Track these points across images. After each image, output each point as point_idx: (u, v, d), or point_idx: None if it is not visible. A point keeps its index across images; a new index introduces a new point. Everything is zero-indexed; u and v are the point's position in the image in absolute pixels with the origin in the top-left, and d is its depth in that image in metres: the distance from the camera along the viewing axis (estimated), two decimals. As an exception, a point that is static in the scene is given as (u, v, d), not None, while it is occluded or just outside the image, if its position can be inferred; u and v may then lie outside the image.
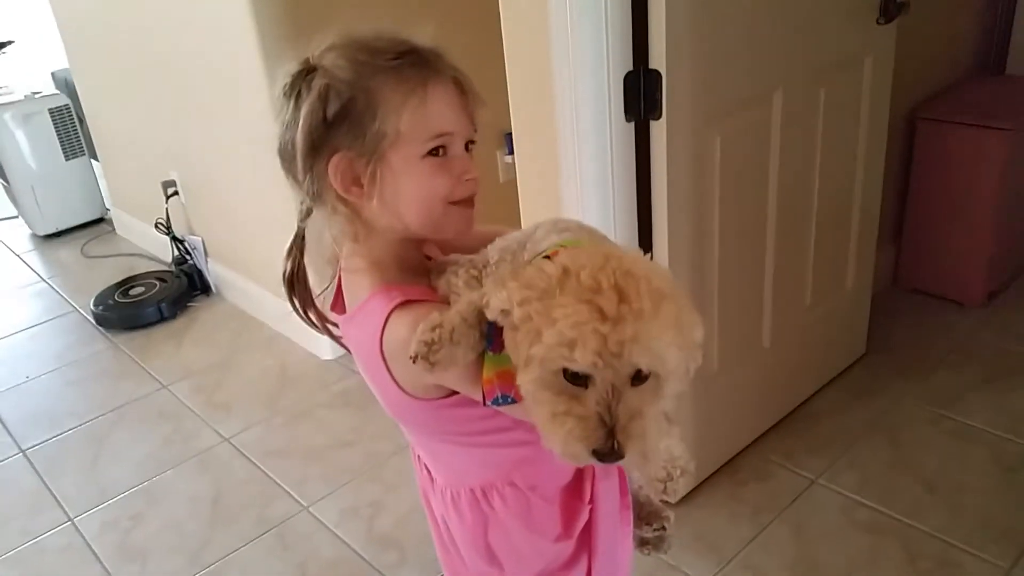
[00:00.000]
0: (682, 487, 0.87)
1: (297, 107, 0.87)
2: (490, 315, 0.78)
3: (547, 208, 1.74)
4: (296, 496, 2.26)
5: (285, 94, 0.88)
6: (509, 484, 0.99)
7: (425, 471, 1.09)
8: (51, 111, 4.04)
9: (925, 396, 2.33)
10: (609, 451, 0.71)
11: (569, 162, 1.64)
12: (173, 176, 3.32)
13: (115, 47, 3.32)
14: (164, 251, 3.55)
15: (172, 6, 2.79)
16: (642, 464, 0.75)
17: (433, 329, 0.79)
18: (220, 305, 3.34)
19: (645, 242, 1.74)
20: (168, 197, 3.33)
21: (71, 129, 4.12)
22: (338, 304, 1.02)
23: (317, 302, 1.06)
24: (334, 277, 1.01)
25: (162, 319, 3.23)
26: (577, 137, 1.61)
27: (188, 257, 3.41)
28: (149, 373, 2.91)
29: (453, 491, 1.04)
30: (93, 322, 3.28)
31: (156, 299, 3.24)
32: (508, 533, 1.01)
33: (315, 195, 0.91)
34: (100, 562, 2.11)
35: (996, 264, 2.67)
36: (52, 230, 4.20)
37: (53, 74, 4.57)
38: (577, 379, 0.72)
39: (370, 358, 0.91)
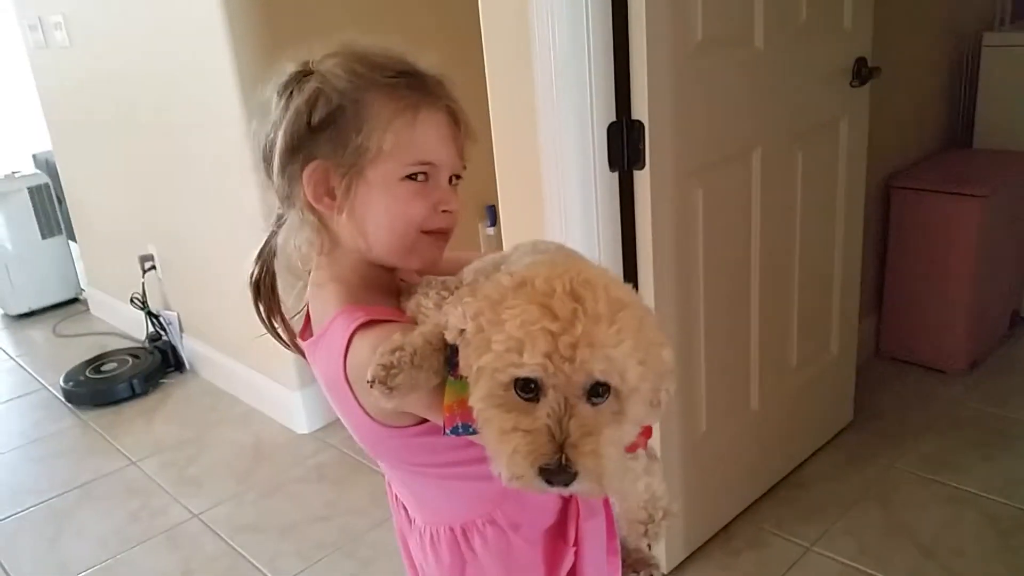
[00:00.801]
0: (664, 530, 0.82)
1: (286, 107, 0.85)
2: (449, 336, 0.73)
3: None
4: (268, 573, 2.14)
5: (278, 92, 0.87)
6: (490, 522, 0.92)
7: (403, 511, 1.03)
8: (30, 190, 4.03)
9: (915, 462, 2.29)
10: (556, 467, 0.64)
11: (554, 212, 1.64)
12: (151, 250, 3.29)
13: (98, 124, 3.34)
14: (138, 330, 3.49)
15: (157, 83, 2.83)
16: (597, 491, 0.67)
17: (393, 351, 0.73)
18: (194, 381, 3.26)
19: (630, 295, 1.73)
20: (145, 271, 3.29)
21: (49, 208, 4.11)
22: (307, 332, 0.97)
23: (288, 320, 1.01)
24: (303, 301, 0.98)
25: (134, 395, 3.13)
26: (562, 187, 1.62)
27: (163, 333, 3.35)
28: (118, 449, 2.81)
29: (432, 530, 0.97)
30: (62, 399, 3.18)
31: (128, 375, 3.16)
32: None
33: (286, 199, 0.89)
34: (55, 644, 1.98)
35: (977, 332, 2.68)
36: (24, 309, 4.13)
37: (34, 156, 4.59)
38: (528, 392, 0.66)
39: (335, 385, 0.86)
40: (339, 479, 2.51)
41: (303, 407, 2.76)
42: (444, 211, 0.88)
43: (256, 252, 0.98)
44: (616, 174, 1.64)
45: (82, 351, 3.51)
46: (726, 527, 2.11)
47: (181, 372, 3.32)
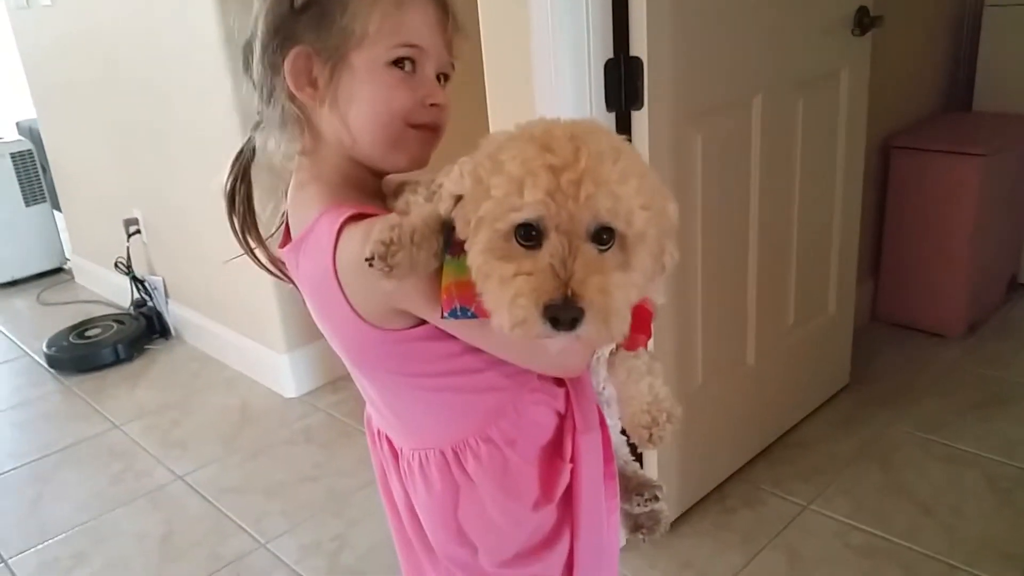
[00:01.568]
0: (669, 434, 0.78)
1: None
2: (444, 208, 0.69)
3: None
4: (253, 533, 2.10)
5: None
6: (484, 440, 0.87)
7: (385, 445, 0.97)
8: (13, 156, 3.95)
9: (913, 423, 2.26)
10: (562, 302, 0.61)
11: (548, 154, 1.59)
12: (136, 214, 3.22)
13: (81, 86, 3.26)
14: (124, 298, 3.42)
15: (142, 42, 2.77)
16: (604, 333, 0.64)
17: (392, 228, 0.69)
18: (179, 347, 3.20)
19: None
20: (130, 236, 3.23)
21: (32, 175, 4.03)
22: (286, 241, 0.91)
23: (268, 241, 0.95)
24: (282, 213, 0.92)
25: (118, 361, 3.07)
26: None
27: (148, 299, 3.29)
28: (101, 414, 2.75)
29: (422, 456, 0.91)
30: (45, 365, 3.12)
31: (112, 340, 3.10)
32: (482, 503, 0.89)
33: (267, 93, 0.84)
34: (34, 603, 1.93)
35: (975, 295, 2.64)
36: (7, 279, 4.05)
37: (17, 123, 4.50)
38: (530, 240, 0.63)
39: (322, 284, 0.81)
40: (327, 441, 2.47)
41: (291, 371, 2.71)
42: (432, 105, 0.84)
43: (230, 160, 0.92)
44: (613, 115, 1.58)
45: (66, 318, 3.44)
46: (720, 486, 2.07)
47: (167, 338, 3.26)
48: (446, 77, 0.87)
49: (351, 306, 0.80)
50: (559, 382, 0.90)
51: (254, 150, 0.90)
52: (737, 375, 2.02)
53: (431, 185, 0.78)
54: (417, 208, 0.75)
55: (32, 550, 2.10)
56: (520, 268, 0.63)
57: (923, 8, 2.70)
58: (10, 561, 2.07)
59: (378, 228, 0.69)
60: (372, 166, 0.86)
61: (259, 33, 0.82)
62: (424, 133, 0.85)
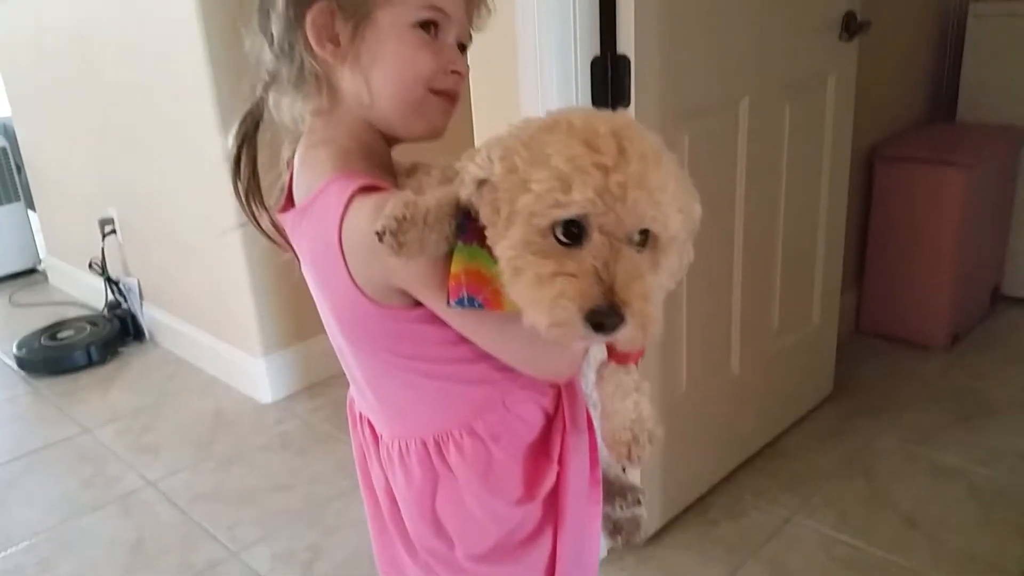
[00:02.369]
0: (647, 454, 0.77)
1: None
2: (465, 192, 0.67)
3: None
4: (224, 541, 2.04)
5: None
6: (468, 432, 0.85)
7: (368, 429, 0.94)
8: (-14, 154, 3.87)
9: (897, 434, 2.24)
10: (608, 309, 0.60)
11: (532, 154, 1.56)
12: (111, 214, 3.16)
13: (57, 83, 3.20)
14: (98, 300, 3.35)
15: (120, 40, 2.71)
16: (640, 338, 0.63)
17: (406, 205, 0.68)
18: (154, 350, 3.14)
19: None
20: (105, 236, 3.16)
21: (6, 173, 3.94)
22: (288, 206, 0.88)
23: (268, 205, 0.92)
24: (284, 176, 0.89)
25: (90, 364, 3.00)
26: (541, 127, 1.53)
27: (122, 300, 3.22)
28: (71, 417, 2.68)
29: (402, 444, 0.89)
30: (14, 367, 3.04)
31: (85, 343, 3.03)
32: (460, 495, 0.86)
33: (284, 49, 0.81)
34: (-4, 612, 1.87)
35: (959, 306, 2.63)
36: (-22, 279, 3.97)
37: (-8, 121, 4.42)
38: (570, 237, 0.62)
39: (325, 252, 0.79)
40: (303, 448, 2.42)
41: (267, 375, 2.65)
42: (453, 72, 0.83)
43: (236, 123, 0.89)
44: (599, 114, 1.55)
45: (39, 319, 3.36)
46: (703, 496, 2.04)
47: (141, 341, 3.19)
48: (463, 47, 0.86)
49: (351, 278, 0.78)
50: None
51: (262, 111, 0.88)
52: (721, 383, 1.99)
53: (446, 169, 0.78)
54: (431, 190, 0.74)
55: (-5, 557, 2.04)
56: (561, 268, 0.62)
57: (908, 17, 2.70)
58: (-29, 568, 2.01)
59: (392, 203, 0.68)
60: (388, 130, 0.85)
61: None
62: (443, 100, 0.84)
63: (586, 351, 0.84)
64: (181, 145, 2.61)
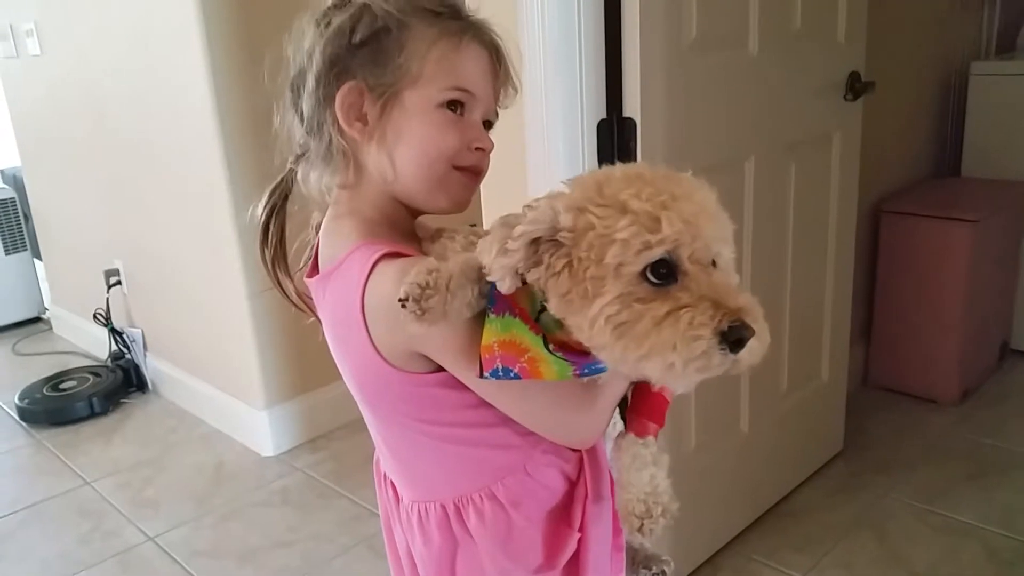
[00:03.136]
0: (660, 528, 0.76)
1: (326, 29, 0.81)
2: (516, 258, 0.65)
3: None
4: (225, 600, 2.01)
5: (316, 21, 0.83)
6: (489, 497, 0.84)
7: (391, 490, 0.94)
8: (-5, 203, 3.90)
9: (909, 492, 2.20)
10: (740, 324, 0.61)
11: (539, 212, 1.56)
12: (117, 265, 3.16)
13: (67, 136, 3.24)
14: (102, 350, 3.35)
15: (130, 96, 2.75)
16: (759, 352, 0.65)
17: (429, 272, 0.68)
18: (156, 401, 3.12)
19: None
20: (110, 287, 3.17)
21: (14, 223, 3.97)
22: (314, 272, 0.90)
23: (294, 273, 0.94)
24: (312, 243, 0.91)
25: (92, 415, 2.98)
26: (549, 186, 1.53)
27: (125, 351, 3.21)
28: (72, 469, 2.66)
29: (421, 508, 0.88)
30: (16, 417, 3.02)
31: (87, 393, 3.01)
32: (479, 561, 0.86)
33: (315, 125, 0.83)
34: (-12, 675, 1.82)
35: (968, 361, 2.61)
36: (-17, 328, 3.97)
37: (2, 171, 4.47)
38: (661, 277, 0.63)
39: (347, 317, 0.79)
40: (304, 504, 2.38)
41: (269, 428, 2.63)
42: (478, 148, 0.85)
43: (266, 193, 0.92)
44: (605, 174, 1.56)
45: (42, 369, 3.36)
46: (712, 557, 2.00)
47: (144, 391, 3.17)
48: (489, 124, 0.88)
49: (373, 343, 0.79)
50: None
51: (291, 182, 0.90)
52: (730, 442, 1.97)
53: (469, 234, 0.81)
54: (454, 255, 0.75)
55: (-11, 616, 2.00)
56: (676, 304, 0.62)
57: (912, 76, 2.72)
58: (-35, 628, 1.97)
59: (415, 270, 0.69)
60: (412, 204, 0.86)
61: (314, 65, 0.82)
62: (467, 176, 0.86)
63: (611, 416, 0.84)
64: (187, 200, 2.63)
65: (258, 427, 2.65)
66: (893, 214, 2.59)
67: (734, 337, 0.61)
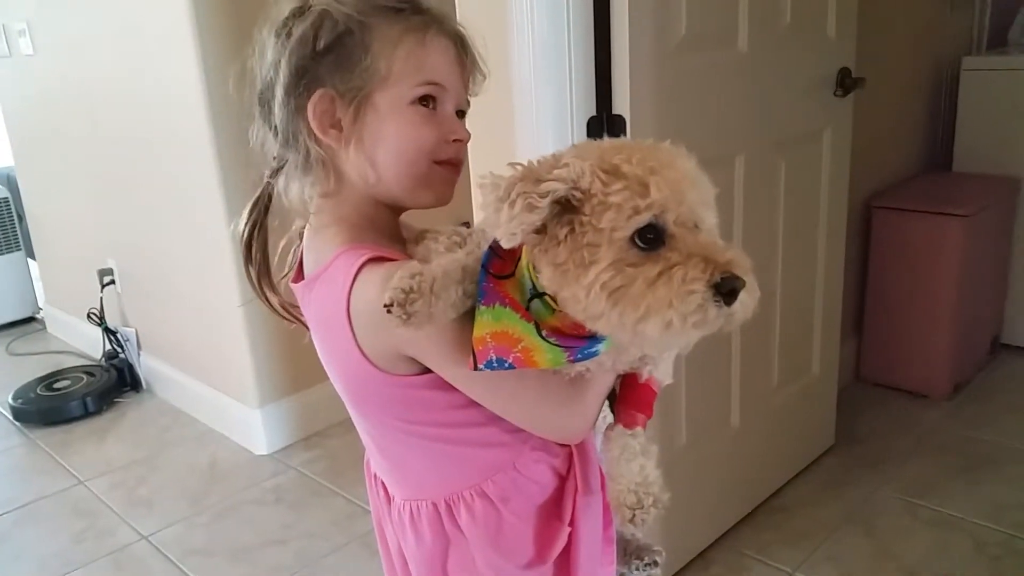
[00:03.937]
0: (652, 518, 0.76)
1: (287, 39, 0.81)
2: (541, 215, 0.65)
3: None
4: (218, 598, 2.01)
5: (276, 33, 0.82)
6: (479, 495, 0.85)
7: (382, 491, 0.95)
8: (-12, 203, 3.90)
9: (900, 486, 2.21)
10: (731, 275, 0.62)
11: (529, 210, 1.56)
12: (111, 264, 3.16)
13: (60, 136, 3.23)
14: (96, 349, 3.35)
15: (123, 95, 2.75)
16: (751, 304, 0.66)
17: (412, 276, 0.69)
18: (150, 401, 3.12)
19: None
20: (104, 286, 3.16)
21: (7, 223, 3.97)
22: (298, 278, 0.90)
23: (278, 281, 0.94)
24: (296, 250, 0.91)
25: (86, 414, 2.98)
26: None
27: (119, 351, 3.21)
28: (66, 469, 2.66)
29: (413, 507, 0.89)
30: (10, 417, 3.02)
31: (81, 393, 3.01)
32: (471, 558, 0.86)
33: (290, 137, 0.83)
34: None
35: (959, 355, 2.62)
36: (-23, 327, 3.96)
37: (-5, 171, 4.45)
38: (647, 243, 0.64)
39: (333, 322, 0.80)
40: (297, 502, 2.39)
41: (263, 427, 2.63)
42: (455, 140, 0.84)
43: (247, 209, 0.91)
44: (595, 171, 1.56)
45: (35, 369, 3.35)
46: (704, 552, 2.01)
47: (137, 391, 3.17)
48: (462, 113, 0.88)
49: (359, 347, 0.79)
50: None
51: (270, 196, 0.90)
52: (721, 437, 1.98)
53: (453, 235, 0.81)
54: (438, 257, 0.76)
55: (-17, 615, 2.00)
56: (667, 264, 0.63)
57: (903, 73, 2.73)
58: (-41, 627, 1.97)
59: (399, 275, 0.69)
60: (395, 203, 0.86)
61: (281, 77, 0.81)
62: (447, 169, 0.85)
63: (599, 411, 0.84)
64: (180, 200, 2.63)
65: (252, 425, 2.65)
66: (885, 209, 2.60)
67: (727, 288, 0.62)
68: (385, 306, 0.68)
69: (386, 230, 0.86)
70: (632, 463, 0.78)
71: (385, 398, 0.83)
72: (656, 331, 0.63)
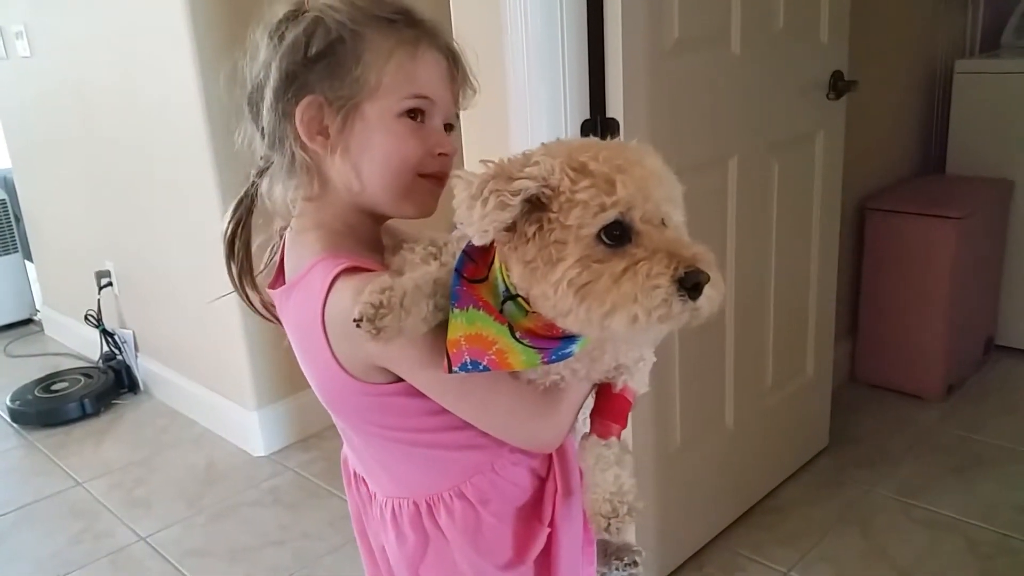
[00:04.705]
0: (626, 527, 0.78)
1: (280, 42, 0.81)
2: (512, 213, 0.66)
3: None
4: (216, 599, 2.02)
5: (269, 34, 0.82)
6: (458, 496, 0.86)
7: (362, 487, 0.95)
8: (-15, 205, 3.90)
9: (893, 487, 2.23)
10: (695, 269, 0.63)
11: (524, 212, 1.58)
12: (108, 266, 3.17)
13: (58, 137, 3.24)
14: (94, 351, 3.35)
15: (119, 96, 2.76)
16: (718, 298, 0.66)
17: (383, 291, 0.69)
18: (148, 402, 3.12)
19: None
20: (101, 288, 3.17)
21: (5, 225, 3.97)
22: (279, 282, 0.90)
23: (258, 280, 0.94)
24: (276, 249, 0.91)
25: (84, 416, 2.99)
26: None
27: (117, 352, 3.22)
28: (63, 470, 2.66)
29: (395, 505, 0.90)
30: (8, 419, 3.03)
31: (79, 395, 3.02)
32: (451, 558, 0.87)
33: (276, 140, 0.83)
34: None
35: (954, 357, 2.64)
36: (-26, 329, 3.97)
37: (-7, 173, 4.46)
38: (613, 240, 0.65)
39: (309, 331, 0.80)
40: (295, 503, 2.40)
41: (260, 428, 2.64)
42: (441, 154, 0.84)
43: (231, 207, 0.92)
44: (589, 174, 1.58)
45: (33, 371, 3.36)
46: (698, 553, 2.02)
47: (135, 392, 3.18)
48: (450, 126, 0.88)
49: (335, 357, 0.80)
50: None
51: (254, 196, 0.90)
52: (716, 438, 1.99)
53: (429, 246, 0.81)
54: (411, 268, 0.76)
55: (-18, 616, 2.01)
56: (632, 259, 0.64)
57: (896, 75, 2.75)
58: (-43, 628, 1.98)
59: (368, 289, 0.69)
60: (378, 212, 0.86)
61: (271, 80, 0.81)
62: (432, 182, 0.85)
63: (573, 420, 0.85)
64: (177, 202, 2.64)
65: (249, 427, 2.66)
66: (878, 211, 2.62)
67: (691, 283, 0.63)
68: (354, 321, 0.69)
69: (366, 238, 0.86)
70: (607, 472, 0.79)
71: (362, 406, 0.84)
72: (622, 326, 0.64)
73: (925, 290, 2.57)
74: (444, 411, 0.81)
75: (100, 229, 3.19)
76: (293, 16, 0.82)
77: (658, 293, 0.63)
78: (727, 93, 1.78)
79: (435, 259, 0.79)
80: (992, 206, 2.70)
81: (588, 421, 0.84)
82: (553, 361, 0.74)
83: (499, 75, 1.53)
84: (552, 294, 0.66)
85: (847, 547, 2.01)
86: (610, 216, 0.64)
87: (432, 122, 0.84)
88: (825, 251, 2.21)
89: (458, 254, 0.74)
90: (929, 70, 2.90)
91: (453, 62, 0.86)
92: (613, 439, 0.81)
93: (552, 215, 0.66)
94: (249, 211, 0.91)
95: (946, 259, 2.51)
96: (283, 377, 2.64)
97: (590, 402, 0.85)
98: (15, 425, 2.99)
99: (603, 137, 1.52)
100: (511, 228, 0.67)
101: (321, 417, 2.71)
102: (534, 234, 0.67)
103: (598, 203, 0.64)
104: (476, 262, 0.72)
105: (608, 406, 0.82)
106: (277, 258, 0.91)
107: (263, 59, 0.83)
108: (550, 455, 0.89)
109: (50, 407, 2.99)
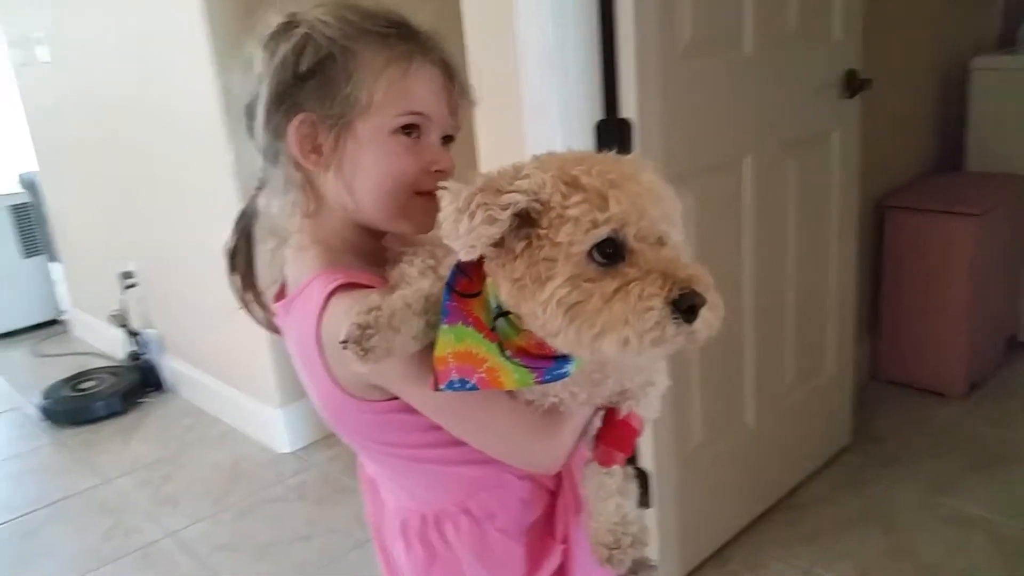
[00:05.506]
0: (629, 559, 0.76)
1: (271, 58, 0.80)
2: (500, 228, 0.64)
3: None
4: (244, 594, 2.05)
5: (263, 46, 0.81)
6: (464, 511, 0.85)
7: (379, 493, 0.97)
8: (11, 208, 3.97)
9: (917, 484, 2.23)
10: (690, 291, 0.60)
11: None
12: (132, 267, 3.22)
13: (81, 141, 3.29)
14: (119, 350, 3.40)
15: (139, 100, 2.80)
16: (715, 320, 0.64)
17: (370, 311, 0.67)
18: (174, 401, 3.17)
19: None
20: (125, 288, 3.22)
21: (31, 227, 4.04)
22: (281, 298, 0.90)
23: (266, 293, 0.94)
24: (278, 270, 0.91)
25: (112, 414, 3.04)
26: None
27: (143, 352, 3.27)
28: (92, 468, 2.71)
29: (403, 517, 0.90)
30: (39, 417, 3.08)
31: (106, 393, 3.07)
32: (460, 572, 0.87)
33: (270, 157, 0.83)
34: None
35: (975, 354, 2.63)
36: (4, 329, 4.04)
37: (21, 176, 4.52)
38: (606, 258, 0.62)
39: (306, 347, 0.80)
40: (320, 499, 2.43)
41: (285, 426, 2.68)
42: (437, 171, 0.82)
43: (235, 220, 0.92)
44: (608, 174, 1.59)
45: (62, 370, 3.42)
46: (721, 549, 2.03)
47: (161, 391, 3.23)
48: (450, 139, 0.86)
49: (331, 374, 0.79)
50: None
51: (255, 210, 0.90)
52: (737, 436, 2.00)
53: (428, 258, 0.78)
54: (404, 286, 0.74)
55: (17, 610, 2.06)
56: (624, 279, 0.61)
57: (910, 72, 2.74)
58: (-7, 621, 2.03)
59: (356, 310, 0.68)
60: (376, 228, 0.85)
61: (263, 97, 0.80)
62: (428, 200, 0.78)
63: (575, 444, 0.82)
64: (198, 202, 2.67)
65: (274, 424, 2.70)
66: (897, 209, 2.61)
67: (685, 305, 0.60)
68: (341, 343, 0.67)
69: (366, 253, 0.85)
70: (608, 502, 0.77)
71: (362, 423, 0.83)
72: (613, 349, 0.61)
73: (946, 287, 2.57)
74: (441, 427, 0.80)
75: (124, 231, 3.24)
76: (284, 30, 0.81)
77: (651, 316, 0.60)
78: (740, 93, 1.78)
79: (433, 272, 0.76)
80: (1012, 202, 2.68)
81: (592, 446, 0.81)
82: (547, 381, 0.70)
83: (513, 80, 1.54)
84: (541, 313, 0.63)
85: (870, 544, 2.01)
86: (602, 233, 0.62)
87: (428, 138, 0.82)
88: (843, 249, 2.21)
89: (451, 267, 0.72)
90: (945, 67, 2.88)
91: (449, 75, 0.84)
92: (616, 468, 0.79)
93: (542, 231, 0.63)
94: (250, 226, 0.90)
95: (966, 256, 2.51)
96: (307, 376, 2.66)
97: (598, 423, 0.83)
98: (46, 422, 3.05)
99: (619, 139, 1.55)
100: (499, 244, 0.65)
101: (345, 415, 2.75)
102: (523, 250, 0.64)
103: (590, 219, 0.61)
104: (469, 276, 0.70)
105: (611, 433, 0.79)
106: (283, 273, 0.91)
107: (257, 72, 0.81)
108: (560, 471, 0.88)
109: (79, 405, 3.05)
